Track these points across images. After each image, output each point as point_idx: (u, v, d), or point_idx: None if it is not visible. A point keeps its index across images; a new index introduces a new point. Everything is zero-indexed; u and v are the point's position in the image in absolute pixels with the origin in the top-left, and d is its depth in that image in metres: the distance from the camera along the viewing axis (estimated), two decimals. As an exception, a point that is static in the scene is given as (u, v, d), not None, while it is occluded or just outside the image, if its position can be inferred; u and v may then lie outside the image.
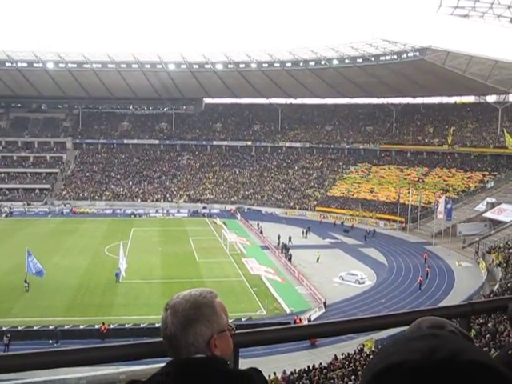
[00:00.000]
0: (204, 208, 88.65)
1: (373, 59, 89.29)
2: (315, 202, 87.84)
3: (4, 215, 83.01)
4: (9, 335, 31.35)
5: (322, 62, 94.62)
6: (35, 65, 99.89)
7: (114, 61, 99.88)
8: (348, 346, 28.48)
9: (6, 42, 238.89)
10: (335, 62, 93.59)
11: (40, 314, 36.48)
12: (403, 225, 73.23)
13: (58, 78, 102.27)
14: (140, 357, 2.12)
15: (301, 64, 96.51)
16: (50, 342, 31.87)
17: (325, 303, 40.28)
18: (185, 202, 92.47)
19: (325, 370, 22.92)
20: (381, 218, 77.02)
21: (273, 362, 27.10)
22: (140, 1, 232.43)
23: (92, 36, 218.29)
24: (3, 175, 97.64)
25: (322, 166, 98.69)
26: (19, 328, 33.68)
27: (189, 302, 1.77)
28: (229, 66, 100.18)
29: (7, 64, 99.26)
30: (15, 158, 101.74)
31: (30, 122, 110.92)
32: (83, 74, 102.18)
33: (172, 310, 1.77)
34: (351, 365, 23.10)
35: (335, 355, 25.92)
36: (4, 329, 33.22)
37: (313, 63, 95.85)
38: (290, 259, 54.44)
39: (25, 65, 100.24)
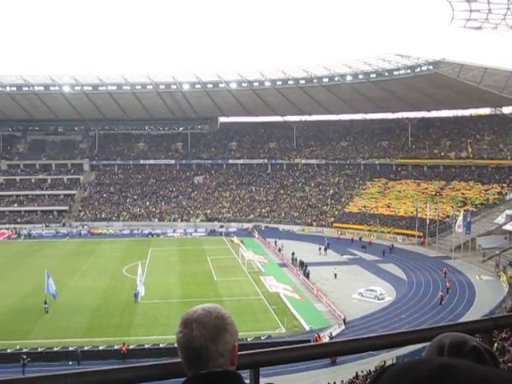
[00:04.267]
0: (221, 227, 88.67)
1: (386, 74, 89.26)
2: (332, 219, 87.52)
3: (23, 237, 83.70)
4: (25, 357, 31.47)
5: (336, 79, 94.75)
6: (51, 88, 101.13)
7: (129, 82, 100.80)
8: (369, 363, 28.17)
9: (23, 66, 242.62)
10: (349, 78, 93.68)
11: (60, 336, 36.56)
12: (422, 239, 72.65)
13: (74, 100, 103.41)
14: (162, 377, 2.11)
15: (314, 81, 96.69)
16: (70, 363, 31.87)
17: (344, 320, 39.99)
18: (202, 221, 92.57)
19: (346, 388, 22.70)
20: (399, 233, 76.55)
21: (294, 381, 26.91)
22: (153, 22, 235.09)
23: (107, 58, 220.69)
24: (22, 198, 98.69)
25: (338, 182, 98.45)
26: (39, 349, 33.75)
27: (213, 314, 1.80)
28: (243, 84, 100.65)
29: (24, 88, 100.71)
30: (33, 180, 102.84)
31: (47, 144, 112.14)
32: (99, 97, 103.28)
33: (198, 322, 1.77)
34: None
35: (356, 373, 25.66)
36: (24, 350, 33.39)
37: (326, 80, 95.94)
38: (308, 276, 54.17)
39: (41, 88, 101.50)
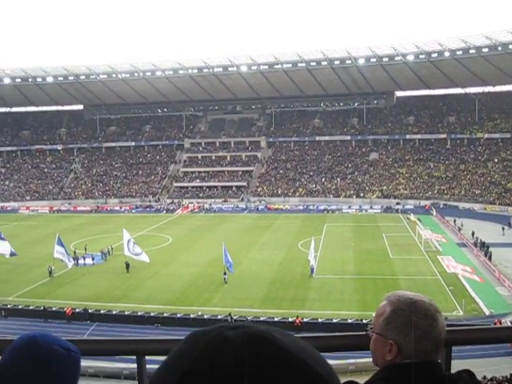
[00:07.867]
0: (397, 204, 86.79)
1: None
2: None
3: (204, 211, 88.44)
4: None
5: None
6: (230, 69, 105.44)
7: (304, 59, 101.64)
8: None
9: (203, 50, 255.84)
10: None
11: (237, 305, 38.14)
12: None
13: (251, 79, 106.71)
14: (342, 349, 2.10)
15: (499, 48, 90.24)
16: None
17: (530, 306, 37.28)
18: (377, 197, 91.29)
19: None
20: None
21: (471, 366, 25.38)
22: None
23: (281, 37, 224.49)
24: (203, 174, 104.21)
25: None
26: (218, 317, 35.65)
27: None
28: (420, 56, 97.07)
29: (205, 70, 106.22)
30: (214, 157, 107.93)
31: (226, 123, 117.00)
32: (274, 75, 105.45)
33: (440, 314, 1.75)
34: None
35: (543, 364, 23.71)
36: (205, 317, 35.78)
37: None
38: (489, 258, 51.26)
39: (220, 70, 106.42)
